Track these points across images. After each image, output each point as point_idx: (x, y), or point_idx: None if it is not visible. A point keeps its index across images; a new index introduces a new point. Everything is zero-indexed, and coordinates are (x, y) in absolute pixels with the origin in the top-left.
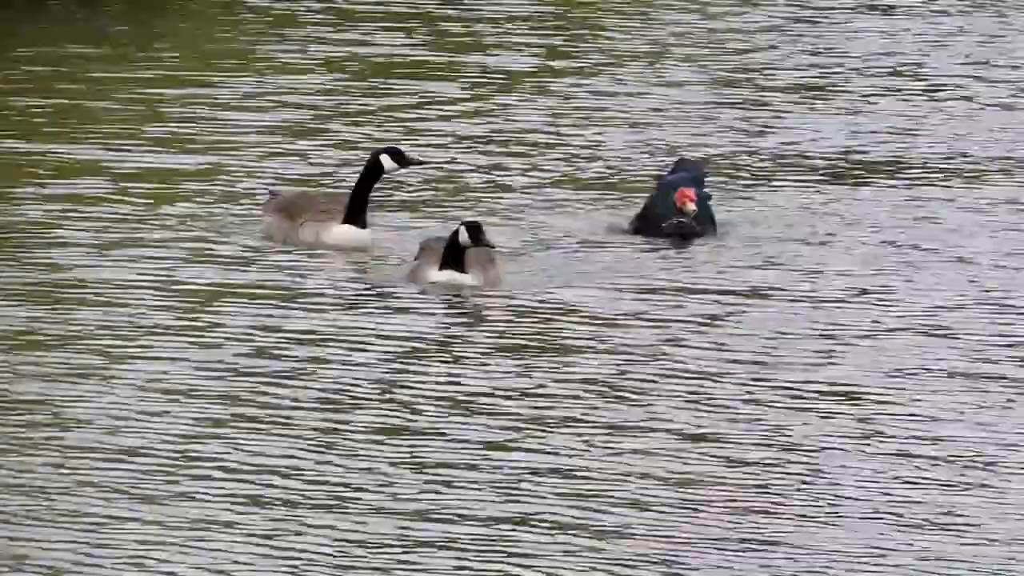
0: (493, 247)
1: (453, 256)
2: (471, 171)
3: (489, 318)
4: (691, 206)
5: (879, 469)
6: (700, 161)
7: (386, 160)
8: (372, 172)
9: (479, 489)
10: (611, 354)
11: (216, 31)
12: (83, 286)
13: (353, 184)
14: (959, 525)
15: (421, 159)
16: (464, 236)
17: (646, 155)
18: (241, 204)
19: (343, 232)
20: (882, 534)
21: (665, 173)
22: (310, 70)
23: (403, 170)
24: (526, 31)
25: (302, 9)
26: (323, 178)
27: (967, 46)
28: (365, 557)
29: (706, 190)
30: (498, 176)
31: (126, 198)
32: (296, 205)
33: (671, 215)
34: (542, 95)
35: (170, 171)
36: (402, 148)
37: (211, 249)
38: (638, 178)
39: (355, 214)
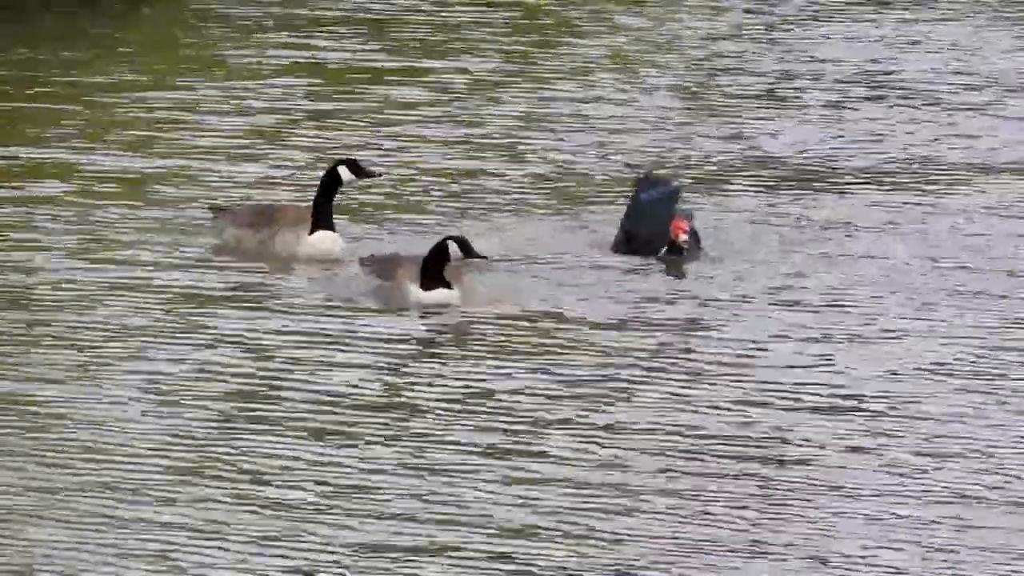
0: (486, 258)
1: (436, 272)
2: (438, 176)
3: (478, 323)
4: (683, 237)
5: (878, 470)
6: (664, 174)
7: (344, 172)
8: (331, 183)
9: (481, 491)
10: (605, 357)
11: (183, 37)
12: (60, 288)
13: (313, 194)
14: (962, 526)
15: (378, 171)
16: (455, 250)
17: (613, 161)
18: (209, 209)
19: (320, 240)
20: (883, 534)
21: (634, 185)
22: (276, 75)
23: (360, 181)
24: (491, 37)
25: (267, 15)
26: (288, 182)
27: (936, 52)
28: (368, 560)
29: (688, 207)
30: (465, 182)
31: (95, 201)
32: (263, 215)
33: (662, 240)
34: (506, 101)
35: (138, 174)
36: (359, 159)
37: (183, 253)
38: (605, 183)
39: (322, 224)
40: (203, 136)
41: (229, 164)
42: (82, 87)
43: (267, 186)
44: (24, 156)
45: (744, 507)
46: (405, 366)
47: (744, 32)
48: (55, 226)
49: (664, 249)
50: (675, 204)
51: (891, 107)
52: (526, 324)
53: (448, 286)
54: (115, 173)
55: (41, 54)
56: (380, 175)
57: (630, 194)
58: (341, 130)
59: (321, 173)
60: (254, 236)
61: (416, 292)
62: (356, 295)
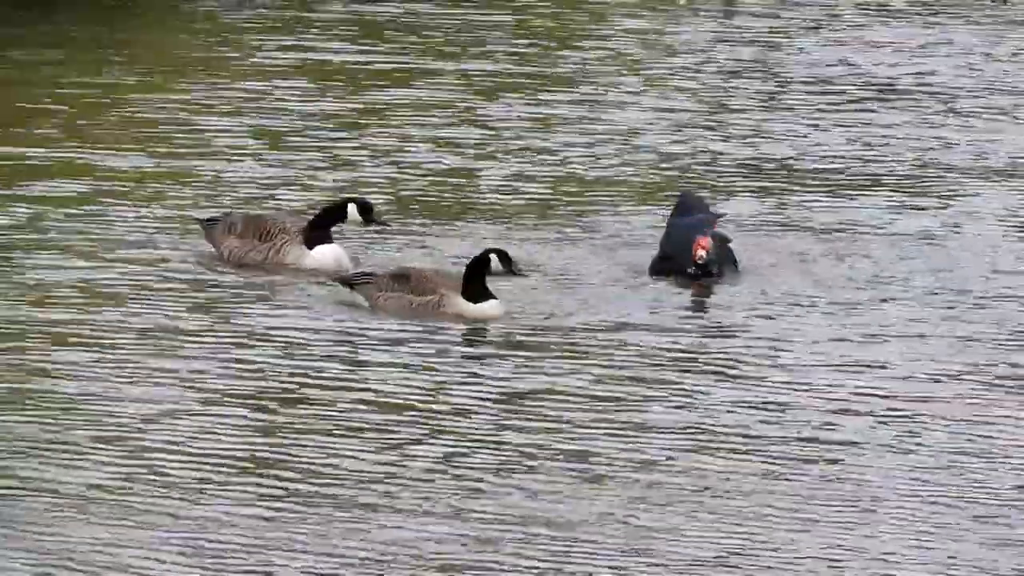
0: (526, 276)
1: (479, 283)
2: (445, 179)
3: (512, 327)
4: (701, 252)
5: (911, 472)
6: (701, 197)
7: (352, 211)
8: (334, 216)
9: (518, 491)
10: (636, 359)
11: (190, 39)
12: (78, 288)
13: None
14: (993, 528)
15: (386, 220)
16: (496, 264)
17: (623, 167)
18: (196, 221)
19: (323, 253)
20: (917, 536)
21: (675, 205)
22: (282, 76)
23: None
24: (497, 39)
25: (273, 18)
26: (291, 185)
27: (951, 57)
28: (405, 559)
29: (725, 232)
30: (470, 184)
31: (104, 200)
32: (263, 227)
33: (689, 263)
34: (513, 103)
35: (147, 174)
36: (372, 204)
37: (196, 252)
38: (614, 188)
39: (320, 233)
40: (210, 136)
41: (236, 164)
42: (90, 88)
43: (271, 188)
44: (33, 156)
45: (778, 508)
46: (441, 367)
47: (757, 36)
48: (66, 226)
49: (692, 271)
50: (708, 227)
51: (906, 112)
52: (558, 328)
53: (494, 297)
54: (124, 173)
55: (51, 56)
56: (388, 225)
57: (668, 216)
58: (347, 132)
59: (328, 175)
60: (260, 247)
61: (464, 305)
62: (384, 311)
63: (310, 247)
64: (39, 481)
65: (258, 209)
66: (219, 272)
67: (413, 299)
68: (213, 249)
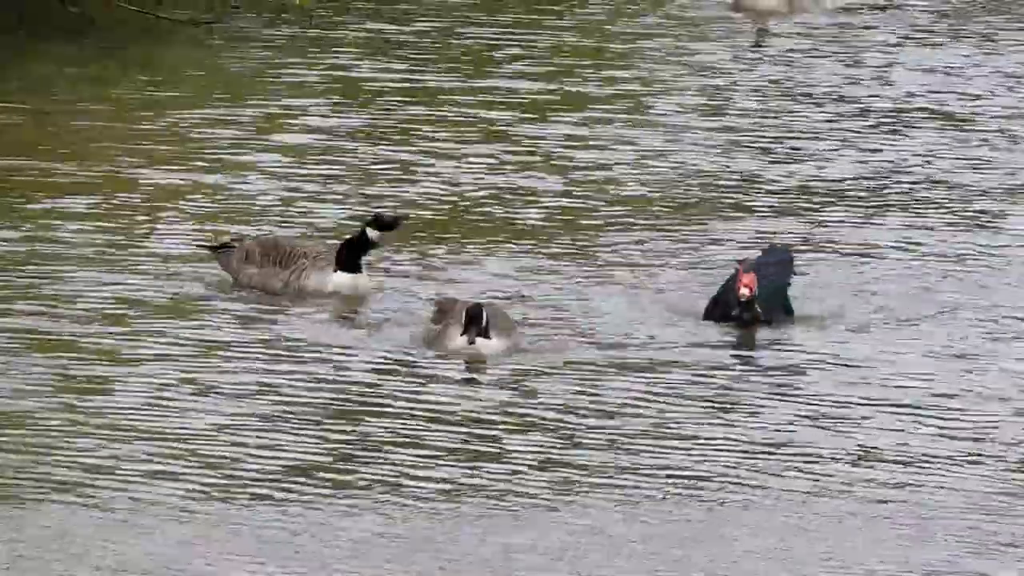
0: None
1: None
2: (485, 200)
3: (573, 344)
4: (744, 290)
5: (971, 486)
6: (787, 248)
7: (372, 232)
8: (361, 243)
9: (584, 507)
10: (691, 375)
11: (218, 57)
12: (117, 302)
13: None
14: None
15: (402, 215)
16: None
17: (665, 187)
18: (200, 247)
19: (348, 278)
20: (980, 552)
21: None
22: (314, 94)
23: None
24: (530, 59)
25: (303, 35)
26: (318, 202)
27: (985, 79)
28: (476, 570)
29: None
30: (514, 206)
31: (130, 215)
32: (280, 251)
33: (734, 304)
34: (547, 122)
35: (174, 190)
36: (383, 213)
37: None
38: (639, 211)
39: (350, 265)
40: (234, 153)
41: (260, 182)
42: (119, 104)
43: (297, 205)
44: (62, 171)
45: (841, 524)
46: (498, 385)
47: (789, 58)
48: (98, 240)
49: (737, 313)
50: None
51: (941, 133)
52: (608, 347)
53: (487, 336)
54: (151, 189)
55: (78, 72)
56: (407, 217)
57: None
58: (374, 150)
59: (355, 192)
60: (282, 273)
61: (456, 337)
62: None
63: (335, 269)
64: (102, 495)
65: (280, 228)
66: (254, 290)
67: (431, 328)
68: (227, 276)
